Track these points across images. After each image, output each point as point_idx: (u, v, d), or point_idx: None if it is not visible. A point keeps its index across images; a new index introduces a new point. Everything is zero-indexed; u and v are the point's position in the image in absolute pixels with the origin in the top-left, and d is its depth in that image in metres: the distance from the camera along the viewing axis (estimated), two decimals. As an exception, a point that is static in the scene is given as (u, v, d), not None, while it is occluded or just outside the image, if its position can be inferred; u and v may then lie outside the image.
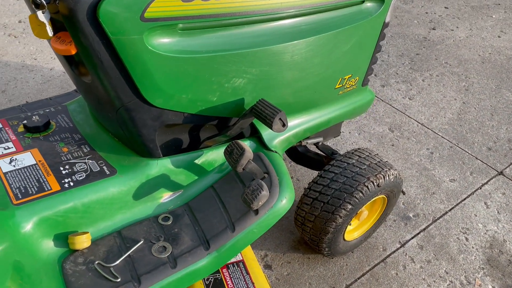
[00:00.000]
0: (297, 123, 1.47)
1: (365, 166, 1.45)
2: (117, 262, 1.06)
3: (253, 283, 1.33)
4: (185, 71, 1.08)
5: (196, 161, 1.27)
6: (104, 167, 1.18)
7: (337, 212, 1.40)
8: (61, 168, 1.16)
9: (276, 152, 1.37)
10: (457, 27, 3.55)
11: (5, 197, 1.06)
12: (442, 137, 2.38)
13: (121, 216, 1.16)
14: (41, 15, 0.93)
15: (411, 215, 1.92)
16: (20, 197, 1.06)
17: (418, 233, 1.84)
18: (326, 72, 1.38)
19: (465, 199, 2.02)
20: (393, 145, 2.30)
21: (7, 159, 1.18)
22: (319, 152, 1.84)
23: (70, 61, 1.13)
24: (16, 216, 1.02)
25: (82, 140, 1.28)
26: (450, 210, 1.96)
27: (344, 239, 1.58)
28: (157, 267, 1.06)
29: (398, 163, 2.19)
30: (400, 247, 1.78)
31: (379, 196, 1.54)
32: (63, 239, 1.08)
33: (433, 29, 3.50)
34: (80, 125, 1.34)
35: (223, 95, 1.19)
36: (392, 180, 1.47)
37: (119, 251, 1.08)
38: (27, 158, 1.19)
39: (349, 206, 1.40)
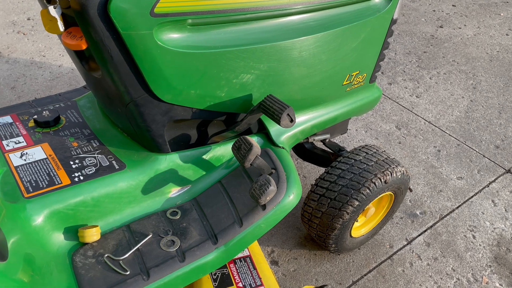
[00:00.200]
0: (304, 120, 1.47)
1: (373, 163, 1.45)
2: (126, 255, 1.07)
3: (260, 278, 1.34)
4: (194, 66, 1.08)
5: (204, 156, 1.28)
6: (114, 162, 1.19)
7: (344, 209, 1.41)
8: (71, 162, 1.18)
9: (283, 148, 1.37)
10: (465, 25, 3.53)
11: (16, 191, 1.08)
12: (449, 135, 2.38)
13: (130, 210, 1.17)
14: (53, 10, 0.94)
15: (418, 212, 1.91)
16: (31, 190, 1.08)
17: (425, 231, 1.84)
18: (334, 69, 1.38)
19: (472, 197, 2.01)
20: (400, 143, 2.30)
21: (18, 153, 1.19)
22: (326, 149, 1.85)
23: (80, 56, 1.15)
24: (27, 209, 1.04)
25: (91, 135, 1.29)
26: (457, 207, 1.95)
27: (350, 236, 1.59)
28: (166, 260, 1.07)
29: (405, 160, 2.18)
30: (407, 244, 1.78)
31: (386, 193, 1.54)
32: (73, 232, 1.10)
33: (441, 27, 3.48)
34: (89, 120, 1.36)
35: (231, 91, 1.20)
36: (399, 176, 1.47)
37: (128, 245, 1.09)
38: (37, 153, 1.20)
39: (356, 203, 1.40)
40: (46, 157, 1.19)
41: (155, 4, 0.95)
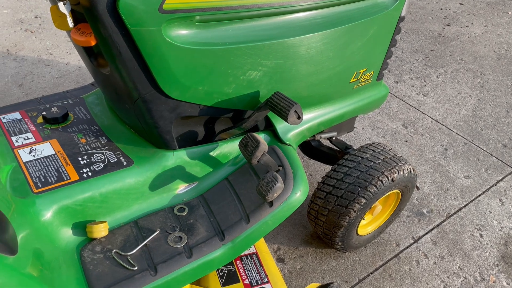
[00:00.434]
0: (311, 117, 1.47)
1: (380, 161, 1.44)
2: (134, 251, 1.07)
3: (266, 275, 1.34)
4: (201, 63, 1.09)
5: (211, 153, 1.28)
6: (121, 158, 1.20)
7: (350, 206, 1.40)
8: (80, 159, 1.18)
9: (290, 145, 1.37)
10: (472, 24, 3.51)
11: (25, 186, 1.08)
12: (456, 133, 2.36)
13: (138, 206, 1.18)
14: (62, 7, 0.95)
15: (424, 211, 1.91)
16: (40, 186, 1.09)
17: (431, 229, 1.83)
18: (341, 66, 1.38)
19: (479, 195, 2.00)
20: (406, 141, 2.29)
21: (27, 149, 1.20)
22: (333, 146, 1.84)
23: (89, 53, 1.15)
24: (37, 204, 1.04)
25: (99, 131, 1.30)
26: (465, 206, 1.94)
27: (357, 234, 1.58)
28: (173, 256, 1.07)
29: (412, 159, 2.18)
30: (414, 242, 1.77)
31: (393, 191, 1.54)
32: (81, 227, 1.10)
33: (448, 25, 3.46)
34: (97, 117, 1.36)
35: (239, 88, 1.20)
36: (406, 175, 1.47)
37: (136, 241, 1.10)
38: (46, 149, 1.21)
39: (363, 200, 1.40)
40: (54, 153, 1.20)
41: (163, 0, 0.95)
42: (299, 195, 1.19)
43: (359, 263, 1.68)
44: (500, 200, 1.98)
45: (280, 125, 1.38)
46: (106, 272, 1.02)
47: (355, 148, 1.66)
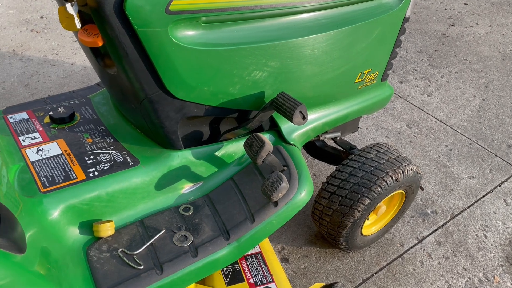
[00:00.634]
0: (316, 117, 1.47)
1: (384, 161, 1.45)
2: (140, 250, 1.08)
3: (271, 275, 1.35)
4: (207, 63, 1.09)
5: (216, 153, 1.29)
6: (128, 158, 1.21)
7: (355, 206, 1.41)
8: (86, 158, 1.19)
9: (295, 145, 1.38)
10: (477, 24, 3.51)
11: (33, 185, 1.09)
12: (461, 134, 2.36)
13: (144, 205, 1.19)
14: (70, 8, 0.96)
15: (429, 211, 1.91)
16: (48, 185, 1.10)
17: (436, 230, 1.83)
18: (345, 66, 1.38)
19: (484, 196, 2.00)
20: (411, 142, 2.29)
21: (34, 149, 1.21)
22: (337, 147, 1.85)
23: (96, 53, 1.16)
24: (44, 203, 1.05)
25: (106, 131, 1.31)
26: (469, 207, 1.94)
27: (361, 234, 1.59)
28: (179, 255, 1.08)
29: (416, 159, 2.18)
30: (418, 243, 1.77)
31: (398, 191, 1.54)
32: (87, 226, 1.11)
33: (452, 25, 3.46)
34: (103, 117, 1.37)
35: (244, 88, 1.21)
36: (411, 175, 1.47)
37: (142, 240, 1.11)
38: (53, 148, 1.22)
39: (368, 201, 1.40)
40: (61, 152, 1.21)
41: (170, 1, 0.96)
42: (303, 195, 1.19)
43: (363, 263, 1.68)
44: (505, 200, 1.98)
45: (285, 125, 1.38)
46: (113, 270, 1.03)
47: (359, 148, 1.67)
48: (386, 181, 1.40)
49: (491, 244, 1.79)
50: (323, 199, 1.48)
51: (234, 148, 1.32)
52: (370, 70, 1.49)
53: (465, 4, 3.81)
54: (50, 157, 1.19)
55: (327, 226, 1.52)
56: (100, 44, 1.01)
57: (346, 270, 1.65)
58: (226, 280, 1.31)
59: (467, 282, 1.64)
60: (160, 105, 1.13)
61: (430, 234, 1.81)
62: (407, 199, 1.62)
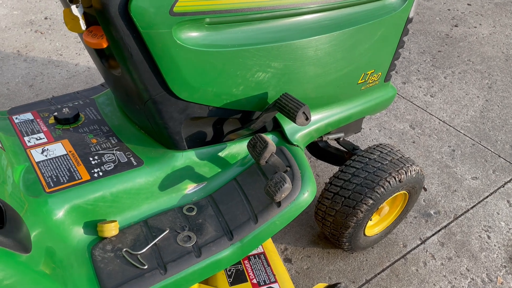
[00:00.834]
0: (319, 118, 1.48)
1: (387, 162, 1.45)
2: (144, 250, 1.09)
3: (274, 275, 1.35)
4: (211, 64, 1.10)
5: (219, 153, 1.30)
6: (132, 158, 1.22)
7: (358, 207, 1.41)
8: (91, 159, 1.20)
9: (298, 146, 1.38)
10: (480, 24, 3.50)
11: (38, 185, 1.10)
12: (464, 134, 2.36)
13: (147, 206, 1.20)
14: (75, 10, 0.97)
15: (432, 212, 1.91)
16: (52, 185, 1.11)
17: (439, 230, 1.83)
18: (349, 67, 1.39)
19: (487, 197, 2.00)
20: (414, 142, 2.29)
21: (39, 149, 1.22)
22: (340, 147, 1.85)
23: (100, 55, 1.17)
24: (49, 204, 1.06)
25: (110, 132, 1.32)
26: (472, 207, 1.94)
27: (364, 234, 1.59)
28: (182, 255, 1.08)
29: (419, 160, 2.18)
30: (421, 243, 1.77)
31: (401, 192, 1.54)
32: (92, 226, 1.12)
33: (456, 26, 3.45)
34: (108, 118, 1.38)
35: (247, 89, 1.21)
36: (414, 176, 1.47)
37: (146, 240, 1.11)
38: (58, 149, 1.23)
39: (371, 201, 1.40)
40: (66, 153, 1.22)
41: (174, 3, 0.96)
42: (306, 195, 1.20)
43: (366, 263, 1.69)
44: (508, 201, 1.98)
45: (288, 126, 1.39)
46: (117, 270, 1.04)
47: (362, 149, 1.67)
48: (389, 182, 1.40)
49: (494, 245, 1.78)
50: (326, 199, 1.48)
51: (238, 148, 1.32)
52: (373, 71, 1.50)
53: (468, 4, 3.81)
54: (55, 158, 1.20)
55: (330, 226, 1.52)
56: (104, 45, 1.01)
57: (349, 271, 1.66)
58: (230, 280, 1.31)
59: (470, 283, 1.64)
60: (164, 106, 1.13)
61: (433, 234, 1.81)
62: (410, 200, 1.62)
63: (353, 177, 1.44)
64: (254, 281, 1.31)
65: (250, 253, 1.36)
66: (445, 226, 1.85)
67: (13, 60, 2.73)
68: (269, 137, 1.37)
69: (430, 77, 2.84)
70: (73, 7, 0.96)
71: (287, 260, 1.68)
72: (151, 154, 1.24)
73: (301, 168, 1.24)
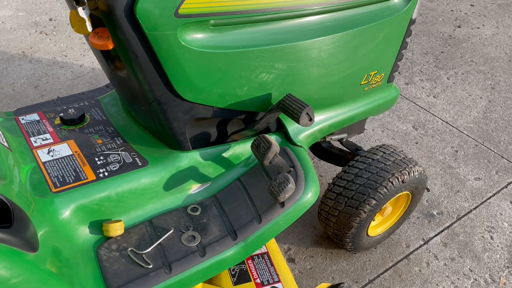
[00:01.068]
0: (322, 119, 1.49)
1: (390, 162, 1.46)
2: (149, 249, 1.10)
3: (277, 275, 1.36)
4: (215, 66, 1.11)
5: (223, 154, 1.31)
6: (137, 159, 1.23)
7: (361, 207, 1.42)
8: (96, 159, 1.22)
9: (301, 147, 1.39)
10: (483, 25, 3.50)
11: (44, 185, 1.12)
12: (467, 135, 2.36)
13: (152, 205, 1.21)
14: (81, 12, 0.98)
15: (435, 212, 1.91)
16: (59, 185, 1.12)
17: (442, 231, 1.84)
18: (352, 68, 1.40)
19: (490, 197, 2.00)
20: (417, 143, 2.30)
21: (46, 150, 1.23)
22: (343, 148, 1.86)
23: (106, 56, 1.18)
24: (55, 203, 1.08)
25: (115, 132, 1.33)
26: (475, 208, 1.94)
27: (367, 235, 1.60)
28: (187, 255, 1.09)
29: (422, 161, 2.18)
30: (424, 244, 1.78)
31: (403, 192, 1.55)
32: (97, 226, 1.13)
33: (459, 27, 3.45)
34: (113, 118, 1.39)
35: (251, 90, 1.22)
36: (417, 176, 1.48)
37: (151, 239, 1.12)
38: (64, 149, 1.24)
39: (374, 202, 1.41)
40: (72, 153, 1.23)
41: (179, 5, 0.98)
42: (310, 196, 1.20)
43: (369, 264, 1.69)
44: (511, 202, 1.98)
45: (292, 127, 1.40)
46: (122, 269, 1.05)
47: (365, 149, 1.68)
48: (392, 183, 1.41)
49: (497, 246, 1.79)
50: (329, 200, 1.49)
51: (241, 149, 1.33)
52: (376, 72, 1.50)
53: (471, 5, 3.80)
54: (61, 158, 1.21)
55: (333, 226, 1.53)
56: (110, 47, 1.03)
57: (352, 271, 1.66)
58: (233, 279, 1.32)
59: (473, 283, 1.65)
60: (169, 106, 1.14)
61: (436, 235, 1.82)
62: (413, 200, 1.63)
63: (356, 177, 1.44)
64: (258, 280, 1.32)
65: (254, 253, 1.37)
66: (448, 227, 1.85)
67: (18, 61, 2.75)
68: (273, 138, 1.37)
69: (433, 78, 2.84)
70: (80, 9, 0.97)
71: (290, 260, 1.69)
72: (156, 154, 1.25)
73: (304, 169, 1.25)
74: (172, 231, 1.15)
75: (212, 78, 1.13)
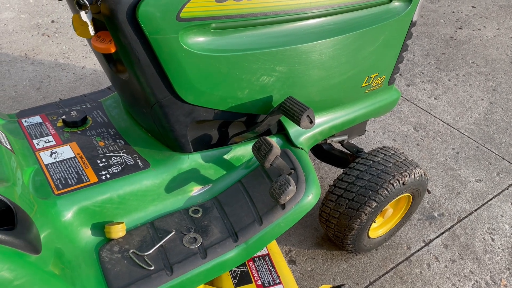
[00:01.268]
0: (323, 121, 1.49)
1: (391, 164, 1.46)
2: (151, 251, 1.10)
3: (278, 276, 1.36)
4: (216, 69, 1.12)
5: (225, 156, 1.31)
6: (138, 161, 1.24)
7: (362, 209, 1.42)
8: (98, 161, 1.22)
9: (302, 149, 1.40)
10: (485, 27, 3.50)
11: (47, 187, 1.12)
12: (468, 137, 2.37)
13: (154, 208, 1.21)
14: (84, 15, 0.99)
15: (436, 214, 1.92)
16: (61, 187, 1.13)
17: (443, 233, 1.84)
18: (353, 71, 1.40)
19: (491, 199, 2.00)
20: (418, 145, 2.30)
21: (48, 152, 1.24)
22: (344, 150, 1.86)
23: (108, 59, 1.19)
24: (58, 205, 1.08)
25: (117, 135, 1.34)
26: (476, 210, 1.95)
27: (368, 237, 1.60)
28: (188, 257, 1.10)
29: (423, 162, 2.18)
30: (425, 246, 1.78)
31: (404, 194, 1.55)
32: (99, 228, 1.14)
33: (460, 28, 3.46)
34: (115, 121, 1.40)
35: (252, 93, 1.23)
36: (417, 178, 1.48)
37: (152, 241, 1.13)
38: (66, 151, 1.25)
39: (374, 204, 1.41)
40: (74, 155, 1.24)
41: (181, 9, 0.98)
42: (311, 198, 1.21)
43: (370, 265, 1.70)
44: (512, 204, 1.98)
45: (293, 129, 1.40)
46: (124, 271, 1.06)
47: (366, 151, 1.68)
48: (393, 184, 1.41)
49: (498, 247, 1.79)
50: (330, 202, 1.50)
51: (242, 151, 1.34)
52: (377, 74, 1.51)
53: (472, 7, 3.81)
54: (63, 160, 1.22)
55: (334, 228, 1.54)
56: (113, 50, 1.04)
57: (353, 273, 1.67)
58: (235, 281, 1.33)
59: (474, 285, 1.65)
60: (170, 109, 1.15)
61: (437, 237, 1.82)
62: (414, 202, 1.63)
63: (357, 179, 1.45)
64: (259, 282, 1.33)
65: (255, 255, 1.38)
66: (449, 229, 1.86)
67: (20, 63, 2.76)
68: (274, 140, 1.38)
69: (434, 79, 2.84)
70: (82, 13, 0.98)
71: (291, 261, 1.70)
72: (157, 156, 1.26)
73: (305, 171, 1.26)
74: (173, 233, 1.16)
75: (213, 81, 1.14)
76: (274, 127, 1.44)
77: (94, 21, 1.04)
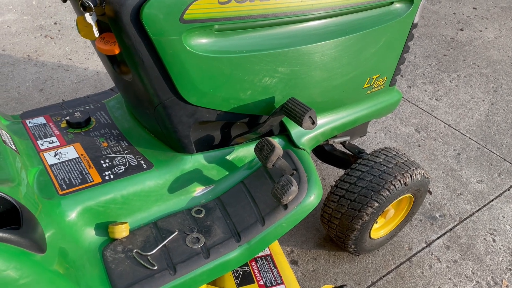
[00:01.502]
0: (325, 122, 1.50)
1: (392, 165, 1.47)
2: (154, 251, 1.11)
3: (280, 277, 1.37)
4: (219, 70, 1.13)
5: (227, 157, 1.32)
6: (142, 161, 1.25)
7: (363, 210, 1.43)
8: (102, 162, 1.23)
9: (304, 149, 1.40)
10: (486, 28, 3.51)
11: (51, 188, 1.13)
12: (469, 138, 2.37)
13: (157, 208, 1.22)
14: (89, 17, 1.00)
15: (437, 215, 1.92)
16: (65, 188, 1.14)
17: (444, 233, 1.84)
18: (354, 72, 1.41)
19: (492, 200, 2.01)
20: (419, 146, 2.30)
21: (52, 153, 1.25)
22: (346, 151, 1.87)
23: (112, 60, 1.20)
24: (62, 206, 1.09)
25: (120, 135, 1.35)
26: (477, 211, 1.95)
27: (370, 237, 1.61)
28: (191, 257, 1.11)
29: (424, 163, 2.19)
30: (426, 246, 1.79)
31: (406, 195, 1.56)
32: (103, 228, 1.15)
33: (461, 30, 3.46)
34: (118, 122, 1.41)
35: (255, 94, 1.24)
36: (419, 179, 1.49)
37: (155, 241, 1.14)
38: (70, 152, 1.26)
39: (376, 204, 1.42)
40: (78, 156, 1.25)
41: (184, 10, 0.99)
42: (313, 198, 1.22)
43: (372, 266, 1.70)
44: (514, 205, 1.99)
45: (295, 130, 1.41)
46: (128, 271, 1.07)
47: (368, 152, 1.69)
48: (394, 185, 1.42)
49: (500, 248, 1.79)
50: (332, 202, 1.50)
51: (245, 152, 1.35)
52: (378, 75, 1.52)
53: (473, 8, 3.81)
54: (67, 161, 1.23)
55: (336, 229, 1.54)
56: (116, 51, 1.05)
57: (355, 273, 1.67)
58: (237, 281, 1.33)
59: (475, 286, 1.65)
60: (174, 110, 1.16)
61: (438, 237, 1.82)
62: (416, 203, 1.64)
63: (359, 180, 1.45)
64: (261, 282, 1.34)
65: (257, 255, 1.39)
66: (451, 229, 1.86)
67: (23, 64, 2.78)
68: (276, 141, 1.39)
69: (436, 81, 2.85)
70: (87, 15, 0.99)
71: (293, 262, 1.70)
72: (160, 157, 1.27)
73: (307, 171, 1.26)
74: (176, 233, 1.16)
75: (216, 82, 1.15)
76: (276, 128, 1.45)
77: (99, 23, 1.05)
